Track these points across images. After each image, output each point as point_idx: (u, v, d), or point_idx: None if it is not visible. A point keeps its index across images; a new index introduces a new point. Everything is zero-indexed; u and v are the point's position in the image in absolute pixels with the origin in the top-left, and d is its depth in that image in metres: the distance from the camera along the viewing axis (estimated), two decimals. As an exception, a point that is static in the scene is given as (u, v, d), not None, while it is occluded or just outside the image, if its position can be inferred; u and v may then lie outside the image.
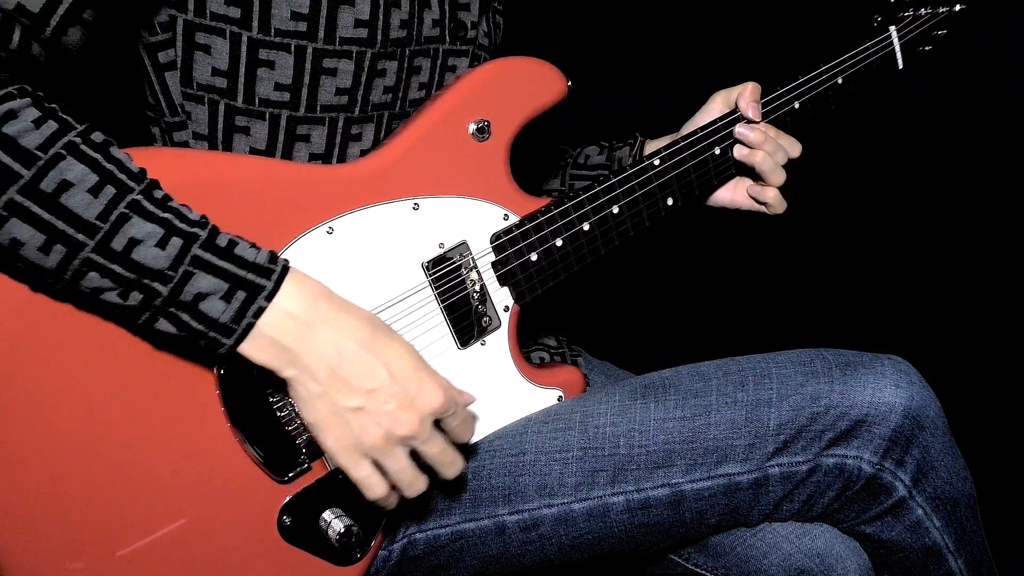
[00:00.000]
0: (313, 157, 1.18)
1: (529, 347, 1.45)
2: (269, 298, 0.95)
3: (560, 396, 1.28)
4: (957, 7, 1.52)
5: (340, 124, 1.18)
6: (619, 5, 2.53)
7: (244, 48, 1.10)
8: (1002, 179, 2.67)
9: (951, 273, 2.71)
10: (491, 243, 1.22)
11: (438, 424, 1.02)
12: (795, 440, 1.15)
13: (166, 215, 0.92)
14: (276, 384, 1.07)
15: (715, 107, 1.42)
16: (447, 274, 1.19)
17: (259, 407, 1.06)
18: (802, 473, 1.16)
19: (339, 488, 1.11)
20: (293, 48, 1.10)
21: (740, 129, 1.37)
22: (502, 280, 1.23)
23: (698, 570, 1.30)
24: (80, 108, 0.96)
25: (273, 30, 1.09)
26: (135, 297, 0.91)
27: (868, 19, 1.54)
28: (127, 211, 0.90)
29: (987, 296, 2.68)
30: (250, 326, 0.94)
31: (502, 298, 1.24)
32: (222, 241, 0.95)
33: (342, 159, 1.20)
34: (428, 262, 1.18)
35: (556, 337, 1.49)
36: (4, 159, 0.87)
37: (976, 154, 2.69)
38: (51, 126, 0.90)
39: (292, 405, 1.08)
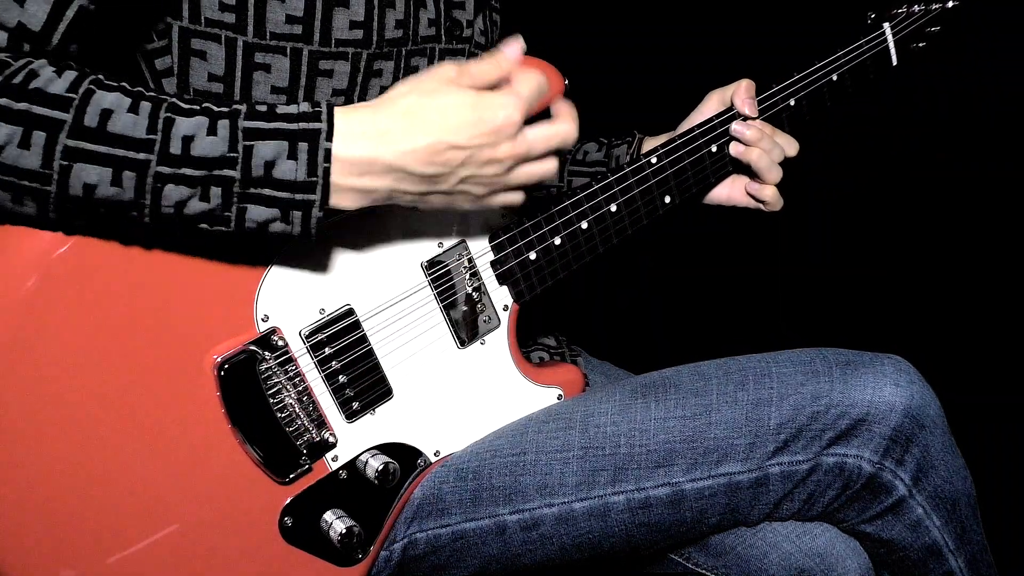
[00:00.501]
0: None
1: (529, 347, 1.45)
2: (329, 138, 0.96)
3: (560, 395, 1.28)
4: (950, 3, 1.53)
5: None
6: (616, 3, 2.53)
7: (240, 53, 1.09)
8: (1002, 178, 2.67)
9: (951, 272, 2.71)
10: (490, 242, 1.23)
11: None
12: (795, 439, 1.15)
13: (204, 105, 0.95)
14: (276, 384, 1.08)
15: (710, 106, 1.42)
16: (446, 273, 1.19)
17: (259, 407, 1.06)
18: (802, 472, 1.16)
19: (340, 489, 1.12)
20: (289, 51, 1.10)
21: (736, 126, 1.37)
22: (501, 279, 1.24)
23: (698, 569, 1.30)
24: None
25: (268, 33, 1.09)
26: (215, 193, 0.94)
27: (862, 17, 1.54)
28: (169, 115, 0.93)
29: (987, 296, 2.68)
30: (327, 172, 0.96)
31: (501, 297, 1.24)
32: (261, 108, 0.97)
33: None
34: (427, 262, 1.18)
35: (556, 337, 1.49)
36: (41, 111, 0.89)
37: (976, 152, 2.68)
38: (71, 73, 0.92)
39: (292, 406, 1.08)
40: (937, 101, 2.60)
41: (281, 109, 0.97)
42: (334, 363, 1.11)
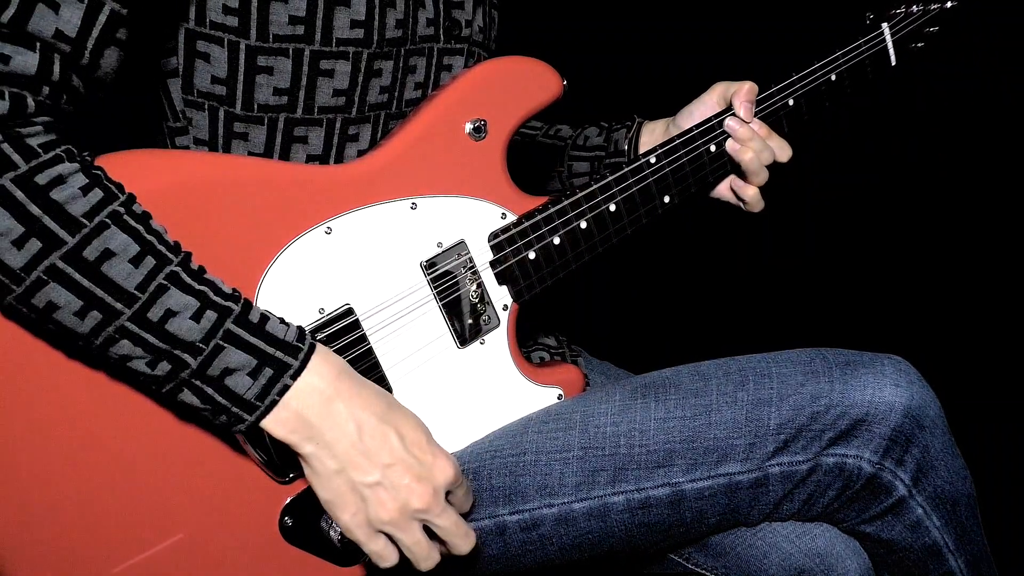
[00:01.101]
0: (311, 158, 1.18)
1: (529, 347, 1.45)
2: (295, 376, 0.96)
3: (560, 394, 1.28)
4: (949, 4, 1.53)
5: (337, 125, 1.18)
6: (613, 1, 2.53)
7: (242, 56, 1.10)
8: (1003, 178, 2.67)
9: (951, 273, 2.71)
10: (489, 242, 1.23)
11: (447, 497, 1.04)
12: (795, 439, 1.15)
13: (202, 287, 0.94)
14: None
15: (712, 98, 1.43)
16: (445, 273, 1.19)
17: None
18: (802, 472, 1.16)
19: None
20: (291, 52, 1.11)
21: (730, 122, 1.38)
22: (500, 279, 1.23)
23: (698, 570, 1.30)
24: (86, 111, 0.96)
25: (271, 36, 1.09)
26: (163, 367, 0.93)
27: (860, 17, 1.54)
28: (165, 282, 0.92)
29: (987, 296, 2.68)
30: (274, 403, 0.96)
31: (500, 297, 1.24)
32: (254, 317, 0.97)
33: (339, 160, 1.20)
34: (426, 261, 1.18)
35: (556, 337, 1.49)
36: (51, 225, 0.88)
37: (977, 153, 2.69)
38: (97, 194, 0.91)
39: None
40: (938, 101, 2.60)
41: (271, 327, 0.97)
42: None
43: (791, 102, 1.42)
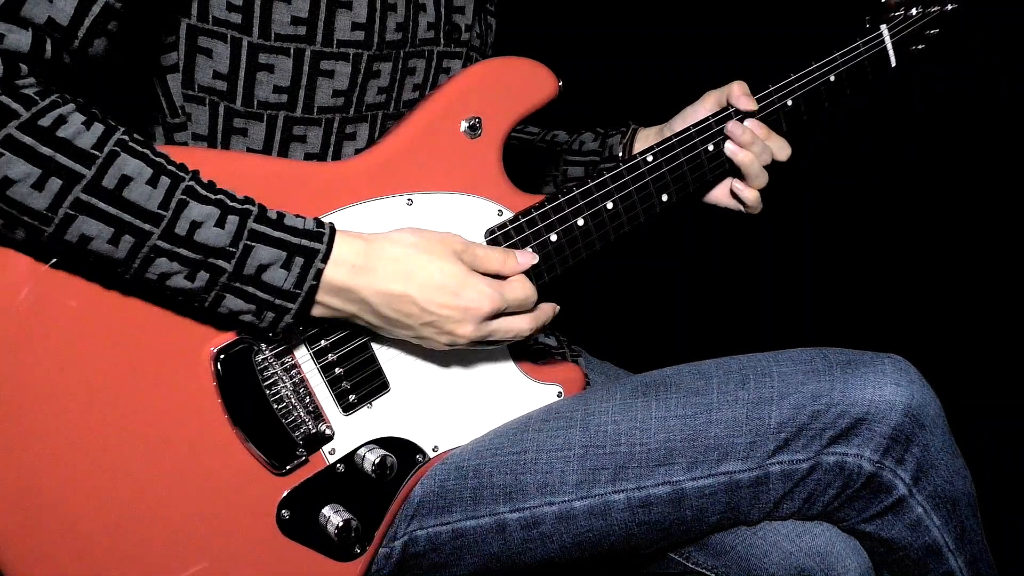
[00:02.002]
0: (308, 156, 1.19)
1: (530, 347, 1.45)
2: (324, 260, 1.01)
3: (560, 392, 1.28)
4: (949, 7, 1.53)
5: (335, 124, 1.19)
6: (610, 6, 2.54)
7: (244, 52, 1.11)
8: (1003, 179, 2.67)
9: (951, 273, 2.71)
10: (485, 238, 1.23)
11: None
12: (796, 438, 1.15)
13: (218, 196, 0.99)
14: (273, 375, 1.08)
15: (706, 105, 1.42)
16: None
17: (256, 399, 1.07)
18: (803, 471, 1.16)
19: (338, 483, 1.12)
20: (292, 51, 1.12)
21: (731, 126, 1.37)
22: None
23: (699, 569, 1.29)
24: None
25: (273, 35, 1.11)
26: (202, 277, 0.97)
27: (859, 21, 1.54)
28: (184, 197, 0.96)
29: (987, 296, 2.68)
30: (312, 289, 1.02)
31: None
32: (272, 214, 1.01)
33: (337, 158, 1.21)
34: None
35: (556, 337, 1.49)
36: (65, 162, 0.91)
37: (977, 154, 2.69)
38: (99, 127, 0.94)
39: (289, 397, 1.08)
40: (938, 102, 2.60)
41: (289, 220, 1.02)
42: (330, 355, 1.12)
43: (789, 102, 1.42)
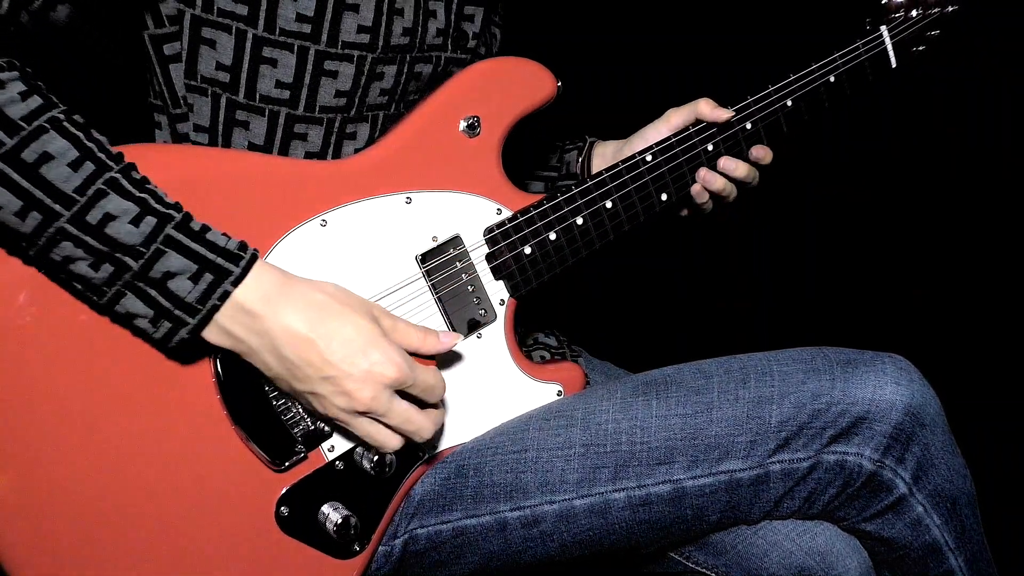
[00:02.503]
0: (309, 155, 1.19)
1: (530, 347, 1.45)
2: (235, 283, 0.97)
3: (559, 391, 1.28)
4: (949, 8, 1.54)
5: (337, 124, 1.19)
6: (610, 9, 2.54)
7: (249, 45, 1.11)
8: (1004, 178, 2.67)
9: (951, 272, 2.71)
10: (484, 236, 1.23)
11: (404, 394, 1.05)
12: (796, 437, 1.15)
13: (142, 195, 0.96)
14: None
15: (670, 124, 1.41)
16: (440, 267, 1.20)
17: (255, 395, 1.07)
18: (803, 470, 1.16)
19: (338, 480, 1.11)
20: (296, 48, 1.12)
21: (703, 173, 1.37)
22: (496, 273, 1.24)
23: (699, 568, 1.29)
24: (88, 97, 0.97)
25: (278, 29, 1.11)
26: (106, 269, 0.94)
27: (860, 23, 1.55)
28: (104, 187, 0.94)
29: (987, 296, 2.69)
30: (214, 308, 0.97)
31: (497, 291, 1.24)
32: (195, 225, 0.98)
33: (336, 157, 1.21)
34: (421, 255, 1.19)
35: (557, 337, 1.49)
36: None
37: (977, 154, 2.69)
38: (36, 100, 0.93)
39: (288, 394, 1.08)
40: (938, 102, 2.60)
41: (211, 236, 0.98)
42: None
43: (789, 103, 1.42)
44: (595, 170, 1.49)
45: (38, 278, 0.97)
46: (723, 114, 1.36)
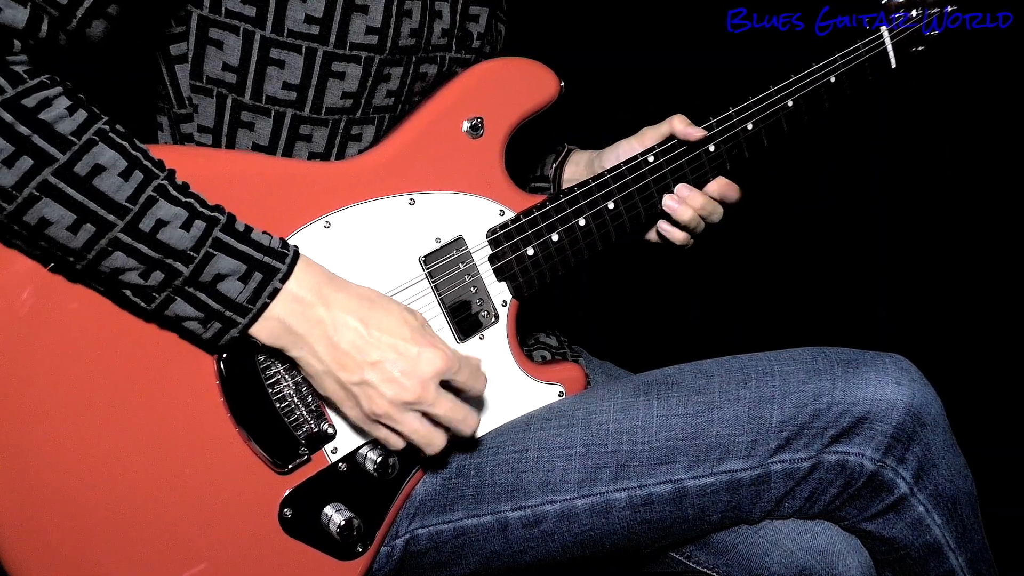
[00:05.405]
0: (313, 156, 1.19)
1: (530, 346, 1.45)
2: (283, 280, 0.99)
3: (561, 391, 1.28)
4: (949, 8, 1.54)
5: (342, 125, 1.19)
6: (610, 11, 2.54)
7: (256, 46, 1.11)
8: (1004, 178, 2.67)
9: (951, 273, 2.71)
10: (487, 238, 1.23)
11: (447, 386, 1.06)
12: (797, 437, 1.15)
13: (189, 199, 0.98)
14: (275, 375, 1.08)
15: (643, 141, 1.39)
16: (444, 268, 1.20)
17: (259, 397, 1.07)
18: (804, 470, 1.16)
19: (341, 482, 1.12)
20: (304, 50, 1.12)
21: (668, 201, 1.34)
22: (499, 274, 1.24)
23: (700, 568, 1.29)
24: (91, 95, 0.98)
25: (286, 30, 1.11)
26: (156, 277, 0.95)
27: (860, 22, 1.55)
28: (154, 194, 0.95)
29: (987, 296, 2.69)
30: (264, 306, 0.99)
31: (500, 292, 1.24)
32: (240, 226, 1.00)
33: (340, 158, 1.21)
34: (424, 256, 1.19)
35: (557, 337, 1.49)
36: (41, 143, 0.90)
37: (977, 154, 2.69)
38: (82, 114, 0.94)
39: (291, 396, 1.08)
40: (938, 102, 2.61)
41: (255, 235, 1.00)
42: None
43: (790, 103, 1.42)
44: (567, 176, 1.48)
45: (42, 276, 0.97)
46: (695, 132, 1.34)
